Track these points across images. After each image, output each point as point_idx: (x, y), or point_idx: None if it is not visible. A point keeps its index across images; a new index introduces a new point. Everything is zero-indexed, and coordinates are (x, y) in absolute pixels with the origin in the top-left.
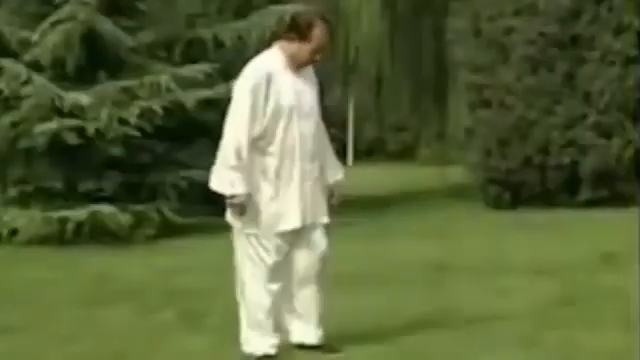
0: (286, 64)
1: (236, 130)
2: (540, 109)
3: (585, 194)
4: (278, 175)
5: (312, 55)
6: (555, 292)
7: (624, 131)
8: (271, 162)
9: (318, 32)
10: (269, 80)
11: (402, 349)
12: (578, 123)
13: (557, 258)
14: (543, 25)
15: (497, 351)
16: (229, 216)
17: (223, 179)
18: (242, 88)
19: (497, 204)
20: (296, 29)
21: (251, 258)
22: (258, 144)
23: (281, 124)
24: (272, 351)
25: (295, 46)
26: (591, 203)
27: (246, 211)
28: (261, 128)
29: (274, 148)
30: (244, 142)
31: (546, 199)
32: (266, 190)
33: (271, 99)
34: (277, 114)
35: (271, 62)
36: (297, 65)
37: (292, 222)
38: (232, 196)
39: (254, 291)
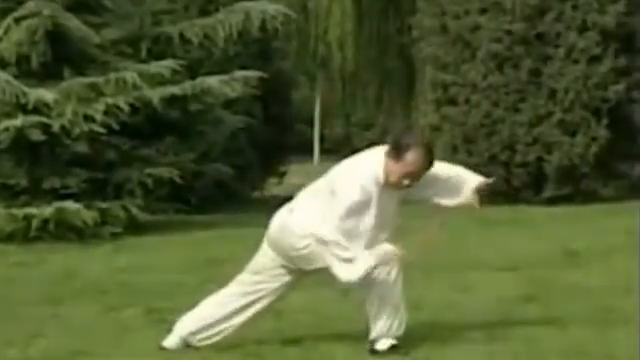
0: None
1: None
2: (505, 106)
3: (550, 191)
4: None
5: (401, 179)
6: (519, 289)
7: (588, 129)
8: None
9: (414, 157)
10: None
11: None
12: (543, 120)
13: (522, 255)
14: (509, 23)
15: (462, 348)
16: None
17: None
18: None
19: None
20: (394, 148)
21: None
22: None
23: None
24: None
25: (390, 164)
26: (555, 200)
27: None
28: None
29: None
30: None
31: (511, 196)
32: None
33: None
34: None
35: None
36: (388, 183)
37: None
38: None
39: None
